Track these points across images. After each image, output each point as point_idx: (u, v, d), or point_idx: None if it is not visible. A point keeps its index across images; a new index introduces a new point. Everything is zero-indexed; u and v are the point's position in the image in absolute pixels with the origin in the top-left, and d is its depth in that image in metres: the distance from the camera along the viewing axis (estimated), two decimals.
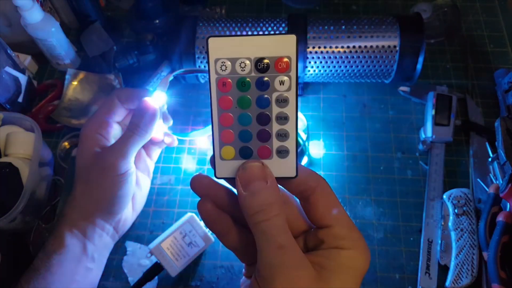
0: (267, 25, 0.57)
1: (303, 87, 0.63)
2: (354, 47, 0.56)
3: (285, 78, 0.28)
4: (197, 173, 0.31)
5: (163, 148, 0.54)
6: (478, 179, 0.54)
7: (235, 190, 0.29)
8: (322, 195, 0.29)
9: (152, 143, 0.49)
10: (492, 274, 0.45)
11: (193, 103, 0.63)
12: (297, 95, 0.28)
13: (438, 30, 0.67)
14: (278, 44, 0.27)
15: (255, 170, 0.28)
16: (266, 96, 0.28)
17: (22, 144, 0.53)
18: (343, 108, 0.62)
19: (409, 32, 0.55)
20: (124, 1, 0.73)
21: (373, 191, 0.55)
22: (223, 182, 0.31)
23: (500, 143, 0.52)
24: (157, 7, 0.67)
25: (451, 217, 0.51)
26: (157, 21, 0.68)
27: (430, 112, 0.57)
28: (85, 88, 0.63)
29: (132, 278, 0.51)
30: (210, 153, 0.59)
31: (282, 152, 0.29)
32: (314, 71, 0.58)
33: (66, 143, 0.60)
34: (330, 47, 0.56)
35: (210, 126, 0.29)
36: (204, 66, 0.58)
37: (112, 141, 0.45)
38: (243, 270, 0.34)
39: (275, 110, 0.28)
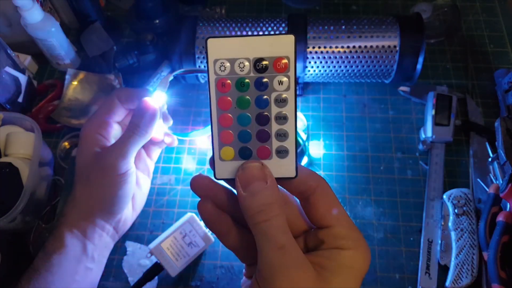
0: (267, 25, 0.57)
1: (303, 87, 0.63)
2: (354, 47, 0.56)
3: (284, 78, 0.28)
4: (197, 174, 0.31)
5: (163, 148, 0.54)
6: (478, 179, 0.54)
7: (235, 191, 0.29)
8: (322, 195, 0.29)
9: (152, 143, 0.49)
10: (492, 274, 0.45)
11: (193, 103, 0.63)
12: (296, 95, 0.28)
13: (438, 30, 0.67)
14: (277, 44, 0.27)
15: (255, 170, 0.28)
16: (265, 96, 0.28)
17: (22, 144, 0.53)
18: (343, 108, 0.62)
19: (409, 32, 0.55)
20: (124, 1, 0.73)
21: (373, 191, 0.55)
22: (223, 182, 0.31)
23: (500, 143, 0.52)
24: (157, 7, 0.67)
25: (451, 217, 0.51)
26: (157, 21, 0.68)
27: (430, 112, 0.57)
28: (85, 88, 0.63)
29: (132, 278, 0.51)
30: (210, 153, 0.59)
31: (282, 152, 0.29)
32: (314, 71, 0.58)
33: (66, 143, 0.60)
34: (330, 47, 0.56)
35: (210, 126, 0.29)
36: (204, 66, 0.58)
37: (112, 141, 0.45)
38: (244, 270, 0.34)
39: (274, 110, 0.28)
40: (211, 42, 0.27)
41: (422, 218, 0.53)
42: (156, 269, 0.48)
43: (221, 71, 0.28)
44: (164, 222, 0.54)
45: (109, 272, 0.51)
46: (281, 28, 0.56)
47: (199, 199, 0.31)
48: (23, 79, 0.61)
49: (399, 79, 0.59)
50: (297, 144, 0.29)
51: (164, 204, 0.55)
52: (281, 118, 0.29)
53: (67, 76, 0.63)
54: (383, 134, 0.60)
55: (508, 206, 0.48)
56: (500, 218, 0.47)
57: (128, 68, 0.63)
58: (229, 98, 0.29)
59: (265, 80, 0.28)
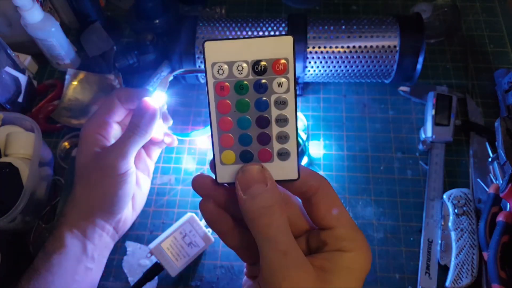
0: (267, 25, 0.57)
1: (303, 87, 0.63)
2: (354, 47, 0.56)
3: (283, 80, 0.28)
4: (198, 173, 0.31)
5: (163, 148, 0.54)
6: (478, 179, 0.54)
7: None
8: (324, 196, 0.29)
9: (152, 143, 0.49)
10: (492, 274, 0.45)
11: (193, 103, 0.63)
12: (295, 97, 0.28)
13: (438, 30, 0.67)
14: (275, 46, 0.27)
15: (254, 173, 0.28)
16: (264, 98, 0.28)
17: (22, 144, 0.53)
18: (343, 108, 0.62)
19: (409, 32, 0.55)
20: (124, 1, 0.73)
21: (373, 191, 0.55)
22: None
23: (500, 143, 0.52)
24: (157, 7, 0.67)
25: (451, 217, 0.51)
26: (157, 21, 0.68)
27: (430, 112, 0.57)
28: (85, 88, 0.63)
29: (132, 278, 0.51)
30: (210, 154, 0.59)
31: (283, 155, 0.29)
32: (314, 71, 0.58)
33: (66, 143, 0.60)
34: (330, 47, 0.56)
35: (210, 129, 0.29)
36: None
37: (112, 141, 0.45)
38: (245, 269, 0.34)
39: (274, 112, 0.28)
40: (208, 45, 0.27)
41: (422, 218, 0.53)
42: (156, 269, 0.48)
43: (219, 74, 0.28)
44: (164, 222, 0.54)
45: (109, 272, 0.51)
46: (281, 28, 0.56)
47: (199, 199, 0.31)
48: (23, 79, 0.61)
49: (399, 79, 0.59)
50: (298, 145, 0.29)
51: (164, 204, 0.55)
52: (282, 121, 0.28)
53: (67, 76, 0.63)
54: (383, 134, 0.60)
55: (508, 206, 0.48)
56: (500, 218, 0.47)
57: (128, 68, 0.63)
58: (228, 101, 0.28)
59: (264, 82, 0.28)
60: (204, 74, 0.28)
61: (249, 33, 0.56)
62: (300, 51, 0.56)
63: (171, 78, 0.47)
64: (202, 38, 0.57)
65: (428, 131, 0.57)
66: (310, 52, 0.56)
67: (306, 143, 0.58)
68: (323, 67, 0.57)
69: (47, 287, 0.41)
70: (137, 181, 0.48)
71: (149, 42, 0.62)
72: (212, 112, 0.29)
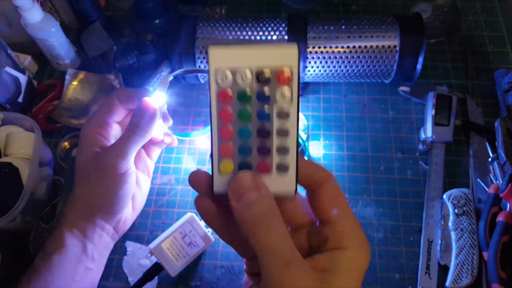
0: (267, 25, 0.57)
1: (303, 87, 0.63)
2: (354, 47, 0.56)
3: (287, 90, 0.27)
4: (195, 170, 0.31)
5: (163, 148, 0.54)
6: (478, 179, 0.54)
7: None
8: (329, 190, 0.29)
9: (152, 143, 0.49)
10: (492, 274, 0.45)
11: (193, 103, 0.63)
12: (298, 109, 0.27)
13: (438, 30, 0.67)
14: (280, 55, 0.26)
15: (246, 180, 0.27)
16: (267, 109, 0.27)
17: (22, 144, 0.53)
18: (343, 108, 0.62)
19: (409, 32, 0.55)
20: (124, 1, 0.73)
21: (373, 191, 0.55)
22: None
23: (500, 143, 0.52)
24: (157, 7, 0.67)
25: (451, 217, 0.51)
26: (157, 21, 0.68)
27: (430, 112, 0.57)
28: (85, 88, 0.63)
29: (132, 278, 0.51)
30: (210, 154, 0.59)
31: (282, 168, 0.28)
32: (314, 71, 0.58)
33: (66, 143, 0.60)
34: (330, 47, 0.56)
35: (210, 127, 0.29)
36: (204, 66, 0.58)
37: (112, 141, 0.45)
38: (244, 266, 0.34)
39: (276, 123, 0.28)
40: (213, 51, 0.26)
41: (422, 218, 0.53)
42: (156, 269, 0.48)
43: (223, 81, 0.27)
44: (164, 222, 0.54)
45: (109, 272, 0.51)
46: (281, 28, 0.56)
47: None
48: (23, 79, 0.61)
49: (399, 79, 0.59)
50: (298, 160, 0.28)
51: (164, 204, 0.55)
52: (283, 133, 0.28)
53: (67, 76, 0.63)
54: (383, 134, 0.60)
55: (508, 206, 0.48)
56: (500, 218, 0.47)
57: (128, 68, 0.63)
58: (230, 109, 0.28)
59: (267, 92, 0.27)
60: (208, 80, 0.27)
61: (249, 33, 0.56)
62: (300, 51, 0.56)
63: (171, 78, 0.47)
64: (202, 38, 0.57)
65: (428, 131, 0.57)
66: (310, 52, 0.56)
67: (306, 143, 0.58)
68: (323, 67, 0.57)
69: (47, 287, 0.41)
70: (137, 181, 0.48)
71: (149, 42, 0.62)
72: (214, 120, 0.28)
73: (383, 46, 0.56)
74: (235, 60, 0.26)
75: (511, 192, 0.47)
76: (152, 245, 0.48)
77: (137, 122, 0.43)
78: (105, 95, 0.62)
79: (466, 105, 0.61)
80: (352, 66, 0.57)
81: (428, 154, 0.57)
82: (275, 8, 0.73)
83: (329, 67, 0.57)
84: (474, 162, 0.56)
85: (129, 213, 0.49)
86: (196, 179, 0.30)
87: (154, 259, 0.49)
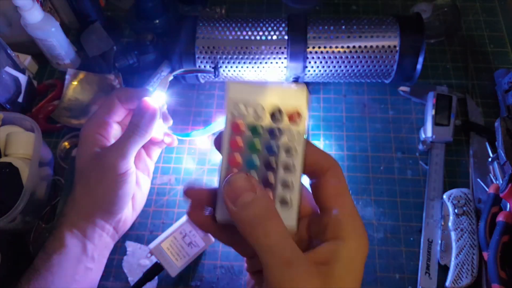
0: (267, 25, 0.57)
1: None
2: (354, 47, 0.56)
3: (296, 128, 0.29)
4: (189, 184, 0.31)
5: (163, 148, 0.54)
6: (478, 179, 0.54)
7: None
8: (332, 177, 0.29)
9: (152, 143, 0.49)
10: (492, 274, 0.45)
11: (193, 103, 0.63)
12: (305, 147, 0.29)
13: (438, 30, 0.67)
14: (291, 95, 0.29)
15: (241, 181, 0.27)
16: (275, 143, 0.29)
17: (22, 144, 0.53)
18: (343, 108, 0.62)
19: (409, 32, 0.55)
20: (124, 1, 0.73)
21: (373, 191, 0.55)
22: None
23: (500, 143, 0.52)
24: (157, 7, 0.67)
25: (451, 217, 0.51)
26: (157, 21, 0.68)
27: (430, 112, 0.57)
28: (85, 88, 0.63)
29: (132, 278, 0.51)
30: (210, 154, 0.59)
31: (285, 202, 0.29)
32: (314, 71, 0.58)
33: (66, 143, 0.60)
34: (330, 47, 0.56)
35: (221, 154, 0.30)
36: (204, 66, 0.58)
37: (112, 141, 0.45)
38: (245, 264, 0.34)
39: (283, 159, 0.29)
40: (231, 86, 0.29)
41: (422, 218, 0.53)
42: (156, 269, 0.48)
43: (238, 113, 0.29)
44: (164, 222, 0.54)
45: (109, 272, 0.51)
46: (281, 28, 0.56)
47: None
48: (23, 79, 0.61)
49: (399, 79, 0.59)
50: (300, 196, 0.29)
51: (164, 204, 0.55)
52: (288, 168, 0.29)
53: (67, 76, 0.63)
54: (383, 134, 0.60)
55: (508, 206, 0.48)
56: (500, 218, 0.47)
57: (128, 68, 0.63)
58: (241, 140, 0.29)
59: (277, 128, 0.29)
60: (224, 110, 0.29)
61: (249, 33, 0.56)
62: (300, 51, 0.56)
63: (171, 78, 0.47)
64: (202, 38, 0.57)
65: (428, 131, 0.57)
66: (310, 52, 0.56)
67: None
68: (323, 67, 0.57)
69: (47, 287, 0.41)
70: (137, 181, 0.48)
71: (149, 42, 0.62)
72: (225, 148, 0.29)
73: (383, 46, 0.56)
74: (251, 96, 0.29)
75: (511, 192, 0.47)
76: (152, 245, 0.48)
77: (137, 122, 0.43)
78: (105, 95, 0.62)
79: (466, 105, 0.61)
80: (352, 66, 0.57)
81: (428, 154, 0.57)
82: (275, 8, 0.73)
83: (329, 67, 0.57)
84: (474, 162, 0.56)
85: (129, 213, 0.49)
86: (193, 195, 0.31)
87: (154, 259, 0.49)
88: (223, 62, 0.57)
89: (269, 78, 0.60)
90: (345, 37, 0.56)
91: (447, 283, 0.48)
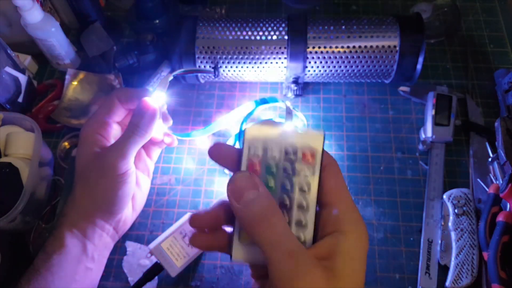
0: (267, 25, 0.57)
1: (303, 87, 0.63)
2: (354, 47, 0.56)
3: (310, 169, 0.30)
4: (216, 143, 0.33)
5: (163, 148, 0.54)
6: (478, 179, 0.54)
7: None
8: (330, 172, 0.30)
9: (152, 143, 0.49)
10: (492, 274, 0.45)
11: (193, 103, 0.63)
12: (318, 187, 0.30)
13: (438, 30, 0.67)
14: (307, 138, 0.30)
15: (244, 180, 0.29)
16: (290, 183, 0.30)
17: (22, 144, 0.53)
18: (343, 108, 0.62)
19: (409, 32, 0.55)
20: (124, 1, 0.73)
21: (373, 191, 0.55)
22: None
23: (500, 143, 0.52)
24: (157, 7, 0.67)
25: (451, 217, 0.51)
26: (157, 21, 0.68)
27: (430, 112, 0.57)
28: (85, 88, 0.63)
29: (132, 278, 0.51)
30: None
31: (299, 242, 0.29)
32: (314, 71, 0.58)
33: (66, 143, 0.60)
34: (330, 47, 0.56)
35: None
36: (204, 66, 0.58)
37: (112, 141, 0.45)
38: (250, 271, 0.34)
39: (297, 197, 0.30)
40: (249, 129, 0.30)
41: (422, 218, 0.53)
42: (156, 269, 0.48)
43: (254, 154, 0.30)
44: (164, 222, 0.54)
45: (109, 272, 0.51)
46: (281, 28, 0.56)
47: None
48: (23, 79, 0.61)
49: (399, 79, 0.59)
50: (314, 236, 0.30)
51: (164, 204, 0.55)
52: (302, 207, 0.30)
53: (67, 76, 0.63)
54: (383, 134, 0.60)
55: (508, 206, 0.48)
56: (500, 218, 0.47)
57: (128, 68, 0.63)
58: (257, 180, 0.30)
59: (292, 167, 0.30)
60: (241, 151, 0.31)
61: (249, 33, 0.56)
62: (300, 51, 0.56)
63: (171, 78, 0.47)
64: (202, 38, 0.57)
65: (428, 131, 0.57)
66: (310, 52, 0.56)
67: None
68: (323, 67, 0.57)
69: (47, 287, 0.41)
70: (137, 181, 0.48)
71: (149, 42, 0.62)
72: None
73: (383, 46, 0.56)
74: (267, 138, 0.30)
75: (511, 192, 0.47)
76: (152, 245, 0.48)
77: (137, 122, 0.43)
78: (105, 95, 0.62)
79: (466, 105, 0.61)
80: (352, 66, 0.57)
81: (428, 154, 0.57)
82: (275, 8, 0.73)
83: (329, 67, 0.57)
84: (474, 162, 0.56)
85: (129, 213, 0.49)
86: (219, 151, 0.32)
87: (154, 259, 0.49)
88: (223, 62, 0.57)
89: (269, 79, 0.60)
90: (345, 37, 0.56)
91: (447, 283, 0.48)
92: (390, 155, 0.58)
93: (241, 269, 0.51)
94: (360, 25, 0.56)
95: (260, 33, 0.56)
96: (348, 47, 0.56)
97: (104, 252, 0.48)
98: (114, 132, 0.46)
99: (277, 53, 0.56)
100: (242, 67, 0.57)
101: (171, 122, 0.47)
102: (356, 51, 0.56)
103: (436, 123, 0.56)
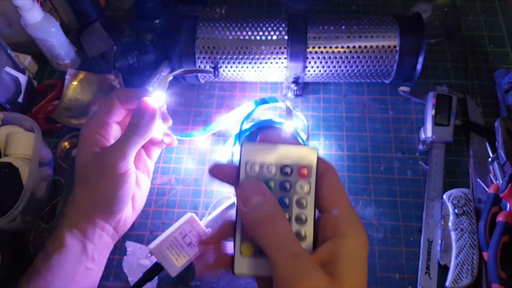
0: (267, 25, 0.57)
1: (303, 87, 0.63)
2: (354, 47, 0.56)
3: (305, 183, 0.31)
4: (215, 163, 0.33)
5: (163, 148, 0.54)
6: (478, 179, 0.54)
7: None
8: (328, 178, 0.31)
9: (151, 143, 0.49)
10: (492, 274, 0.45)
11: (193, 103, 0.63)
12: (315, 200, 0.31)
13: (438, 30, 0.67)
14: (302, 154, 0.31)
15: (252, 186, 0.30)
16: (287, 197, 0.31)
17: (22, 144, 0.53)
18: (343, 108, 0.62)
19: (409, 32, 0.55)
20: (124, 1, 0.73)
21: (373, 191, 0.55)
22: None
23: (500, 143, 0.52)
24: (157, 7, 0.67)
25: (451, 217, 0.51)
26: (157, 21, 0.68)
27: (430, 112, 0.57)
28: (85, 88, 0.63)
29: (132, 278, 0.51)
30: (210, 155, 0.59)
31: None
32: (314, 71, 0.58)
33: (66, 143, 0.60)
34: (330, 47, 0.56)
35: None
36: (204, 66, 0.58)
37: (112, 141, 0.45)
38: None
39: (295, 211, 0.31)
40: (245, 146, 0.31)
41: (422, 218, 0.53)
42: (156, 269, 0.48)
43: (251, 171, 0.31)
44: (164, 222, 0.54)
45: (109, 272, 0.51)
46: (281, 28, 0.56)
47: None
48: (23, 79, 0.61)
49: (399, 79, 0.59)
50: (314, 248, 0.31)
51: (164, 204, 0.55)
52: (300, 220, 0.31)
53: (67, 76, 0.63)
54: (383, 134, 0.60)
55: (508, 206, 0.48)
56: (500, 218, 0.47)
57: (128, 68, 0.63)
58: None
59: (288, 183, 0.31)
60: (239, 168, 0.31)
61: (249, 33, 0.56)
62: (300, 51, 0.56)
63: (171, 78, 0.47)
64: (202, 38, 0.57)
65: (428, 131, 0.57)
66: (310, 52, 0.56)
67: (306, 143, 0.58)
68: (323, 67, 0.57)
69: (47, 287, 0.41)
70: (137, 181, 0.48)
71: (149, 42, 0.62)
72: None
73: (383, 46, 0.56)
74: (263, 155, 0.31)
75: (511, 192, 0.47)
76: (152, 245, 0.48)
77: (137, 122, 0.43)
78: (105, 95, 0.62)
79: (466, 105, 0.61)
80: (352, 66, 0.57)
81: (428, 154, 0.57)
82: (275, 8, 0.73)
83: (329, 67, 0.57)
84: (474, 162, 0.56)
85: (129, 213, 0.49)
86: (218, 170, 0.33)
87: (154, 259, 0.49)
88: (223, 62, 0.57)
89: (269, 79, 0.60)
90: (345, 37, 0.56)
91: (447, 283, 0.48)
92: (390, 155, 0.58)
93: None
94: (360, 25, 0.56)
95: (260, 33, 0.56)
96: (348, 47, 0.56)
97: (104, 252, 0.48)
98: (114, 132, 0.46)
99: (277, 53, 0.56)
100: (242, 67, 0.57)
101: (171, 122, 0.47)
102: (356, 51, 0.56)
103: (436, 123, 0.56)
